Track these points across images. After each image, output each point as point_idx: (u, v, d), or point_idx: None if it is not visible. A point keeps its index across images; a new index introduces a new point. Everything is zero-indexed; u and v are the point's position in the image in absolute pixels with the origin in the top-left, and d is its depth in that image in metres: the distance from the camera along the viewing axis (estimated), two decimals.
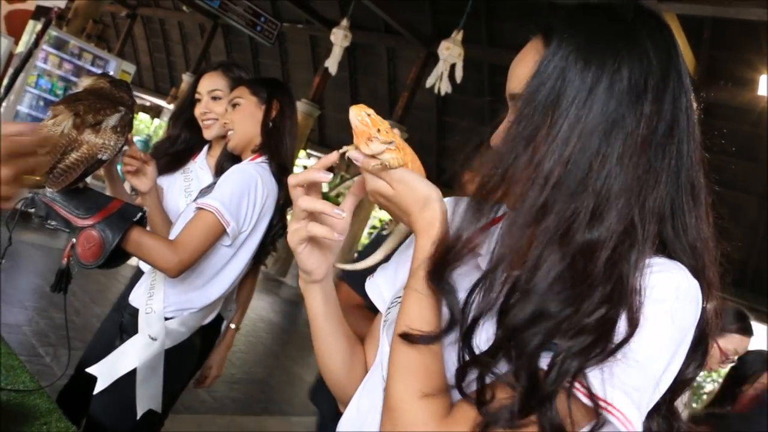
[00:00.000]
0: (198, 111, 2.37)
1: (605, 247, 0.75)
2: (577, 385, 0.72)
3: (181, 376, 2.22)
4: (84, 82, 1.83)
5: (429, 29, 11.23)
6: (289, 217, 2.14)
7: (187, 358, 2.18)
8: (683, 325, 0.78)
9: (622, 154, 0.77)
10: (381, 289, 1.10)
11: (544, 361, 0.73)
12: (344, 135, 13.66)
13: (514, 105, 0.86)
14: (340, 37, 8.70)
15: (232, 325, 2.53)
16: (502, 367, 0.76)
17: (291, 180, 0.95)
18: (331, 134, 15.24)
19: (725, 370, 2.81)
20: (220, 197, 1.94)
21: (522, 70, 0.84)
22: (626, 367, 0.72)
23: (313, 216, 0.94)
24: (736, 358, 2.65)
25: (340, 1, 12.22)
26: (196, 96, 2.39)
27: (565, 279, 0.75)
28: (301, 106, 12.25)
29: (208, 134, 2.37)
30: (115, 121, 1.73)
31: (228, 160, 2.26)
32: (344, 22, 8.80)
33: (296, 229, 0.94)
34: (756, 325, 2.77)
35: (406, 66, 12.35)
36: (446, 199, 1.09)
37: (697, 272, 0.82)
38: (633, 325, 0.73)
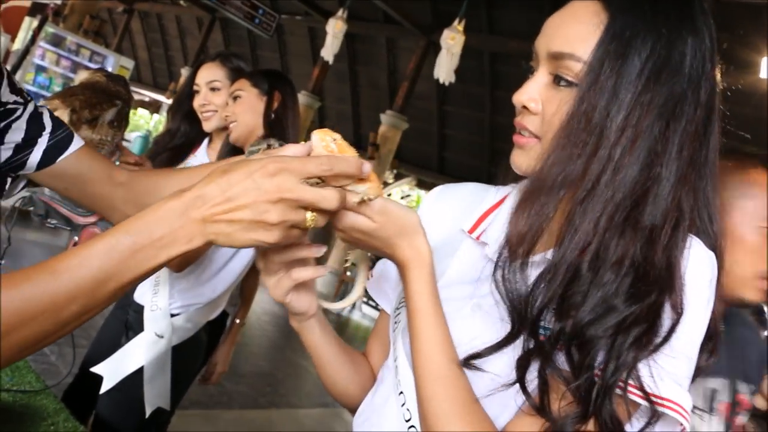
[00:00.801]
0: (197, 103, 2.33)
1: (664, 233, 0.74)
2: (630, 382, 0.71)
3: (189, 373, 2.21)
4: (80, 77, 1.80)
5: (428, 18, 11.17)
6: None
7: (195, 354, 2.16)
8: (711, 307, 0.77)
9: (682, 139, 0.76)
10: (384, 288, 1.07)
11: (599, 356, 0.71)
12: (344, 126, 13.75)
13: (557, 65, 0.79)
14: (333, 26, 8.66)
15: (237, 320, 2.51)
16: (559, 360, 0.74)
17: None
18: (332, 126, 15.14)
19: None
20: None
21: (576, 30, 0.78)
22: (672, 357, 0.72)
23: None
24: None
25: None
26: (195, 88, 2.35)
27: (629, 270, 0.72)
28: (301, 98, 12.21)
29: (207, 126, 2.33)
30: (112, 115, 1.70)
31: (231, 153, 2.23)
32: (340, 12, 8.76)
33: (277, 282, 0.86)
34: None
35: (405, 56, 12.30)
36: (440, 187, 1.09)
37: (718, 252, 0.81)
38: (678, 311, 0.72)
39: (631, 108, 0.74)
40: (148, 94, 20.69)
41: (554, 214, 0.76)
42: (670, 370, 0.72)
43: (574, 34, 0.78)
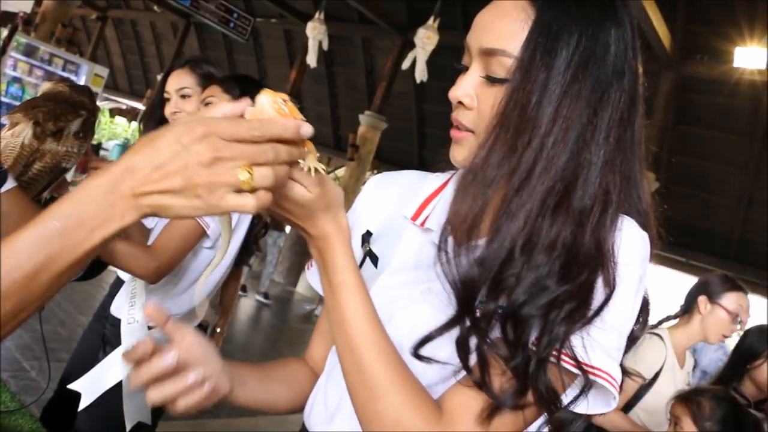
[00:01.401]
0: (168, 111, 2.29)
1: (593, 215, 0.77)
2: (564, 351, 0.75)
3: None
4: (43, 88, 1.75)
5: (404, 17, 11.17)
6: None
7: None
8: (644, 282, 0.83)
9: (609, 125, 0.79)
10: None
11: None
12: (324, 128, 13.74)
13: (489, 60, 0.82)
14: (312, 30, 8.62)
15: (218, 329, 2.48)
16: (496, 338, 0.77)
17: None
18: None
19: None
20: None
21: (505, 26, 0.80)
22: (603, 329, 0.77)
23: None
24: (745, 318, 2.65)
25: None
26: (165, 95, 2.31)
27: (560, 252, 0.76)
28: None
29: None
30: (77, 126, 1.65)
31: None
32: (318, 15, 8.73)
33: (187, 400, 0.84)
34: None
35: (382, 55, 12.30)
36: (379, 175, 1.09)
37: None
38: (610, 287, 0.76)
39: (561, 99, 0.77)
40: (125, 102, 20.52)
41: (491, 201, 0.79)
42: (601, 341, 0.77)
43: (504, 30, 0.80)
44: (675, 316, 2.82)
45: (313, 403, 1.02)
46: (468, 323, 0.78)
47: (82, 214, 0.64)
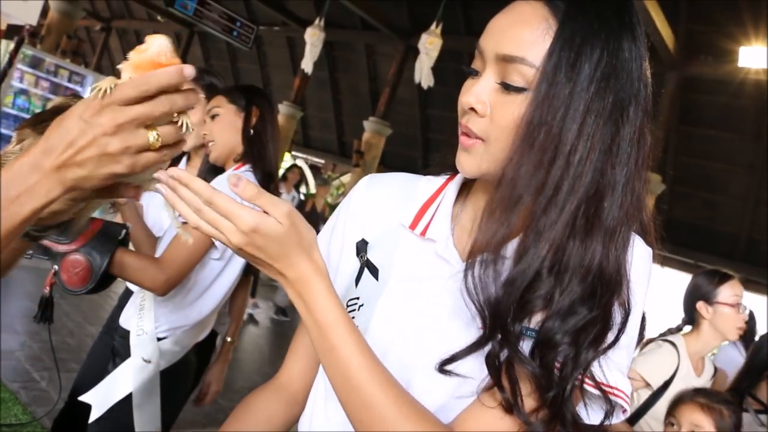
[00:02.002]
0: None
1: (617, 235, 0.77)
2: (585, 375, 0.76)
3: (179, 397, 2.17)
4: (54, 102, 1.76)
5: (406, 22, 11.19)
6: None
7: (184, 377, 2.13)
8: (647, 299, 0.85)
9: (629, 144, 0.78)
10: None
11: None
12: (328, 135, 13.75)
13: (506, 67, 0.79)
14: (311, 35, 8.63)
15: (228, 338, 2.48)
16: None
17: None
18: (315, 135, 15.20)
19: None
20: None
21: (525, 33, 0.78)
22: (617, 349, 0.78)
23: None
24: (747, 310, 2.63)
25: (315, 0, 12.16)
26: None
27: (588, 274, 0.76)
28: (283, 108, 12.18)
29: (184, 146, 2.30)
30: None
31: (210, 172, 2.20)
32: (317, 21, 8.74)
33: None
34: (752, 297, 2.76)
35: (385, 61, 12.31)
36: (368, 177, 1.06)
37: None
38: (626, 309, 0.78)
39: (584, 116, 0.75)
40: None
41: (518, 220, 0.77)
42: (616, 361, 0.78)
43: (524, 38, 0.78)
44: (678, 329, 2.80)
45: (311, 422, 0.98)
46: (497, 343, 0.77)
47: (10, 191, 0.70)
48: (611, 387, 0.77)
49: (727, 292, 2.63)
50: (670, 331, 2.79)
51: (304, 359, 1.06)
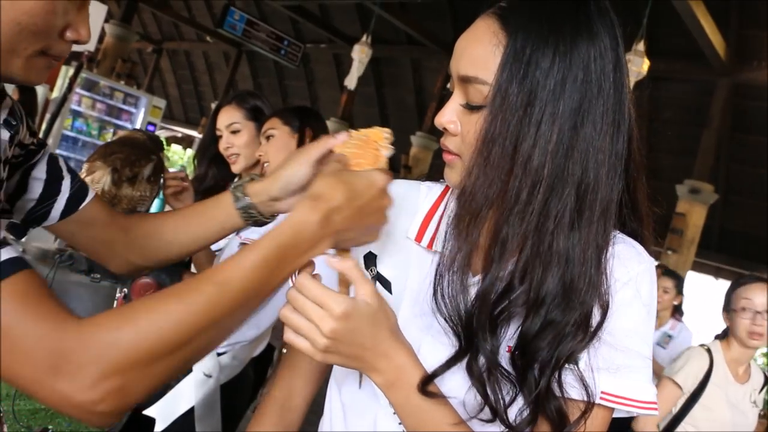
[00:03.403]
0: (221, 146, 2.38)
1: (593, 236, 0.78)
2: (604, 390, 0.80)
3: (239, 410, 2.24)
4: (121, 134, 1.86)
5: (451, 36, 11.21)
6: None
7: (243, 390, 2.19)
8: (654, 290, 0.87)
9: (595, 141, 0.78)
10: None
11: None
12: None
13: (467, 87, 0.82)
14: (360, 53, 8.71)
15: (285, 350, 2.54)
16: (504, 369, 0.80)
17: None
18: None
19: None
20: (263, 230, 1.94)
21: (478, 51, 0.80)
22: (632, 361, 0.81)
23: None
24: (760, 308, 2.57)
25: (360, 17, 12.30)
26: (217, 132, 2.41)
27: (561, 279, 0.77)
28: (330, 124, 12.30)
29: (235, 168, 2.38)
30: (149, 171, 1.74)
31: None
32: (364, 38, 8.84)
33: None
34: None
35: (431, 75, 12.34)
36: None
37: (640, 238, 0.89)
38: (604, 307, 0.79)
39: (540, 123, 0.76)
40: (181, 130, 21.04)
41: (482, 233, 0.80)
42: (633, 372, 0.81)
43: (477, 57, 0.80)
44: (718, 337, 2.78)
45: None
46: (475, 355, 0.79)
47: (298, 244, 0.76)
48: (628, 399, 0.80)
49: (739, 297, 2.63)
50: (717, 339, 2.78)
51: (307, 378, 1.07)
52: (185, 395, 2.03)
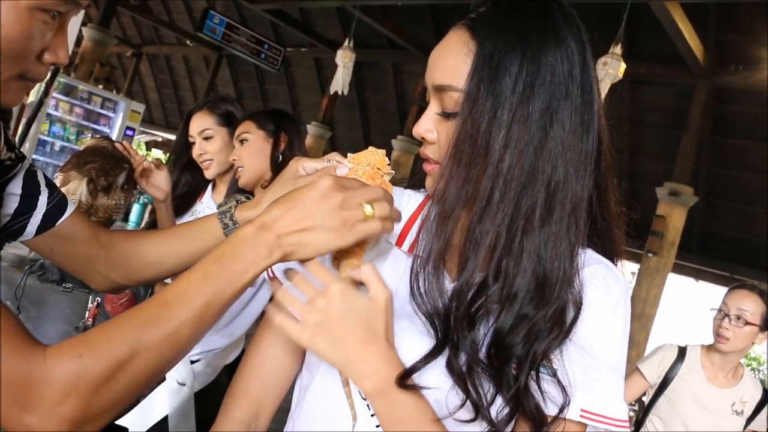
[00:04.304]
0: (195, 153, 2.35)
1: (563, 231, 0.81)
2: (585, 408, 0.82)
3: (213, 417, 2.20)
4: (87, 143, 1.83)
5: (432, 41, 11.21)
6: None
7: (217, 398, 2.13)
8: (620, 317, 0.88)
9: (564, 143, 0.81)
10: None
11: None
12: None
13: (441, 96, 0.85)
14: (343, 58, 8.69)
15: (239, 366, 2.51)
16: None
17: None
18: (344, 154, 15.23)
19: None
20: None
21: (450, 61, 0.84)
22: (605, 377, 0.83)
23: None
24: (732, 311, 2.57)
25: (341, 21, 12.29)
26: (190, 139, 2.37)
27: (533, 277, 0.80)
28: (312, 128, 12.28)
29: (208, 174, 2.34)
30: (123, 179, 1.72)
31: (238, 195, 2.24)
32: (347, 43, 8.82)
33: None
34: None
35: (413, 80, 12.37)
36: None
37: (611, 244, 0.92)
38: (578, 306, 0.81)
39: (510, 125, 0.79)
40: (161, 134, 20.93)
41: (454, 233, 0.82)
42: (607, 389, 0.83)
43: (449, 66, 0.84)
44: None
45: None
46: (453, 351, 0.80)
47: (238, 254, 0.78)
48: (604, 416, 0.82)
49: (724, 300, 2.64)
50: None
51: (275, 389, 1.03)
52: (159, 403, 1.99)
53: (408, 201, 1.00)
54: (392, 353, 0.80)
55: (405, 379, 0.78)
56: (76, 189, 1.65)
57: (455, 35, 0.85)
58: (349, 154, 0.95)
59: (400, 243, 0.95)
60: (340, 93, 8.82)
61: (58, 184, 1.62)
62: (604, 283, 0.86)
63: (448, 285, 0.84)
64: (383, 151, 0.95)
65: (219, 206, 1.39)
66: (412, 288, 0.84)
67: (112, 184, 1.69)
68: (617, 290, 0.87)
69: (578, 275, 0.82)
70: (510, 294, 0.79)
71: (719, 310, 2.60)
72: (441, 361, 0.81)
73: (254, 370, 1.02)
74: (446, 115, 0.84)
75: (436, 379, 0.81)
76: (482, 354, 0.81)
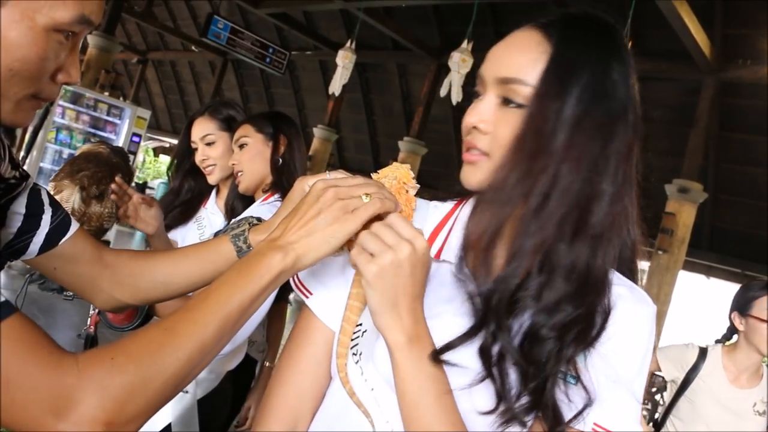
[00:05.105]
0: (197, 159, 2.33)
1: (604, 242, 0.84)
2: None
3: (217, 425, 2.18)
4: (83, 149, 1.81)
5: (437, 41, 11.22)
6: None
7: (220, 405, 2.13)
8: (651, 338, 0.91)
9: (617, 158, 0.84)
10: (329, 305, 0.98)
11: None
12: (364, 156, 13.80)
13: (505, 89, 0.87)
14: (344, 59, 8.68)
15: (267, 364, 2.49)
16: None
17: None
18: (351, 156, 15.26)
19: None
20: None
21: (521, 57, 0.86)
22: (625, 396, 0.86)
23: None
24: None
25: (345, 23, 12.28)
26: (192, 145, 2.35)
27: (575, 275, 0.82)
28: (318, 131, 12.28)
29: (211, 180, 2.33)
30: None
31: (239, 200, 2.21)
32: (349, 44, 8.81)
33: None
34: None
35: (418, 80, 12.35)
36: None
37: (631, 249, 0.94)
38: (606, 313, 0.84)
39: (573, 129, 0.82)
40: (168, 140, 20.98)
41: (507, 220, 0.84)
42: (628, 410, 0.85)
43: (521, 62, 0.86)
44: (721, 340, 2.73)
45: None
46: (490, 336, 0.83)
47: (254, 261, 0.83)
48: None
49: (761, 305, 2.54)
50: (718, 342, 2.72)
51: (312, 397, 0.99)
52: (162, 412, 1.95)
53: (434, 212, 1.02)
54: (422, 311, 0.84)
55: (440, 354, 0.82)
56: (69, 197, 1.63)
57: (526, 34, 0.88)
58: (372, 174, 0.95)
59: None
60: (330, 93, 8.82)
61: (51, 193, 1.61)
62: (632, 304, 0.88)
63: (494, 271, 0.86)
64: (408, 166, 0.96)
65: (230, 227, 1.37)
66: (458, 265, 0.88)
67: (104, 191, 1.67)
68: (645, 313, 0.89)
69: (610, 289, 0.85)
70: (552, 290, 0.82)
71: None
72: (475, 344, 0.84)
73: (289, 386, 0.99)
74: (510, 104, 0.86)
75: (468, 359, 0.84)
76: (515, 345, 0.83)
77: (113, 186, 1.84)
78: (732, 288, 9.54)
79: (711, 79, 8.32)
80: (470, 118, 0.89)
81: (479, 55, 7.61)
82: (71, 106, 9.07)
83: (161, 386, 0.75)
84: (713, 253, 10.01)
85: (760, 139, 8.83)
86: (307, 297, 0.99)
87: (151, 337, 0.76)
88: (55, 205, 1.13)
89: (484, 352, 0.83)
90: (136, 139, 9.35)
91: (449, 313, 0.89)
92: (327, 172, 0.97)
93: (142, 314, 1.69)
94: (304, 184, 1.09)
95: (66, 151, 9.00)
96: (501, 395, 0.81)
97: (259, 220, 1.04)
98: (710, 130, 8.55)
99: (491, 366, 0.82)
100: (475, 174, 0.89)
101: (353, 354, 0.92)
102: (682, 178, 7.99)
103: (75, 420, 0.69)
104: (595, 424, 0.83)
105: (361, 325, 0.92)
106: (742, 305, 2.60)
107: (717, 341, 2.72)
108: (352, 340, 0.92)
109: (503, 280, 0.83)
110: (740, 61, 8.19)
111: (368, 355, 0.89)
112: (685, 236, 7.94)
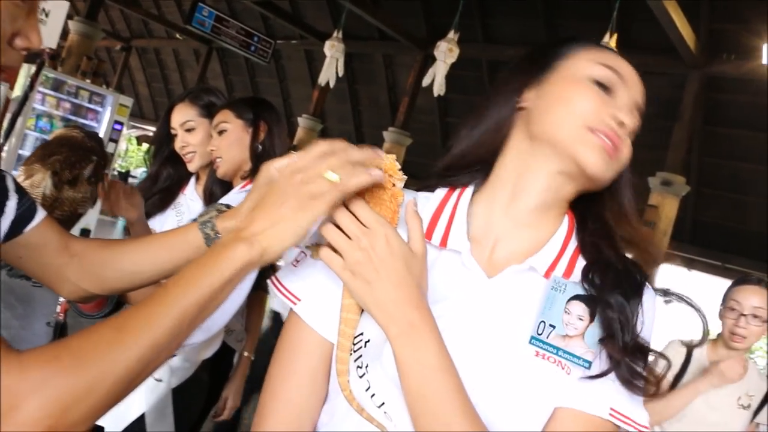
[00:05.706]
0: (177, 146, 2.29)
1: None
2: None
3: (192, 414, 2.15)
4: (56, 133, 1.77)
5: (423, 32, 11.18)
6: None
7: (196, 394, 2.11)
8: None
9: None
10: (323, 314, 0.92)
11: None
12: None
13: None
14: (330, 48, 8.62)
15: (245, 353, 2.47)
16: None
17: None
18: None
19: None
20: None
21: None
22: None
23: None
24: (748, 311, 2.50)
25: (332, 12, 12.20)
26: (172, 131, 2.31)
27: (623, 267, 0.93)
28: (303, 121, 12.21)
29: (192, 167, 2.29)
30: (90, 171, 1.67)
31: (217, 185, 2.18)
32: (336, 33, 8.75)
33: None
34: None
35: (404, 71, 12.30)
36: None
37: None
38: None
39: None
40: (151, 129, 20.79)
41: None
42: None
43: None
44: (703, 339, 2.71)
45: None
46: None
47: (216, 254, 0.81)
48: (630, 419, 0.84)
49: (729, 297, 2.57)
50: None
51: (316, 392, 0.95)
52: (136, 401, 1.95)
53: (425, 202, 0.98)
54: (423, 301, 0.80)
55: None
56: (40, 182, 1.59)
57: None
58: None
59: (428, 236, 0.93)
60: (323, 84, 8.76)
61: (21, 177, 1.57)
62: (653, 304, 0.96)
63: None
64: (393, 156, 0.91)
65: (200, 214, 1.35)
66: (468, 254, 0.91)
67: (78, 176, 1.64)
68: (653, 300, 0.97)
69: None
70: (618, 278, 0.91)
71: (731, 309, 2.54)
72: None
73: (287, 402, 0.94)
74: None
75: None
76: None
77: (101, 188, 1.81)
78: (713, 281, 9.62)
79: (696, 74, 8.34)
80: (629, 118, 0.96)
81: (465, 47, 7.56)
82: (52, 92, 8.95)
83: (110, 387, 0.72)
84: (695, 246, 10.07)
85: (744, 133, 8.88)
86: (294, 303, 0.94)
87: (101, 336, 0.73)
88: (20, 192, 1.10)
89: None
90: (118, 126, 9.25)
91: (452, 300, 0.87)
92: (291, 154, 0.94)
93: (113, 302, 1.66)
94: (270, 168, 1.04)
95: (46, 139, 8.89)
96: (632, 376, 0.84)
97: (227, 206, 1.00)
98: (694, 124, 8.58)
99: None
100: (615, 167, 0.94)
101: (358, 367, 0.86)
102: (665, 171, 8.02)
103: (16, 422, 0.65)
104: (612, 409, 0.84)
105: (362, 335, 0.87)
106: (724, 297, 2.63)
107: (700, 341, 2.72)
108: (354, 352, 0.87)
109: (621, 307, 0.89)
110: (725, 56, 8.22)
111: (375, 363, 0.84)
112: (667, 229, 7.98)
